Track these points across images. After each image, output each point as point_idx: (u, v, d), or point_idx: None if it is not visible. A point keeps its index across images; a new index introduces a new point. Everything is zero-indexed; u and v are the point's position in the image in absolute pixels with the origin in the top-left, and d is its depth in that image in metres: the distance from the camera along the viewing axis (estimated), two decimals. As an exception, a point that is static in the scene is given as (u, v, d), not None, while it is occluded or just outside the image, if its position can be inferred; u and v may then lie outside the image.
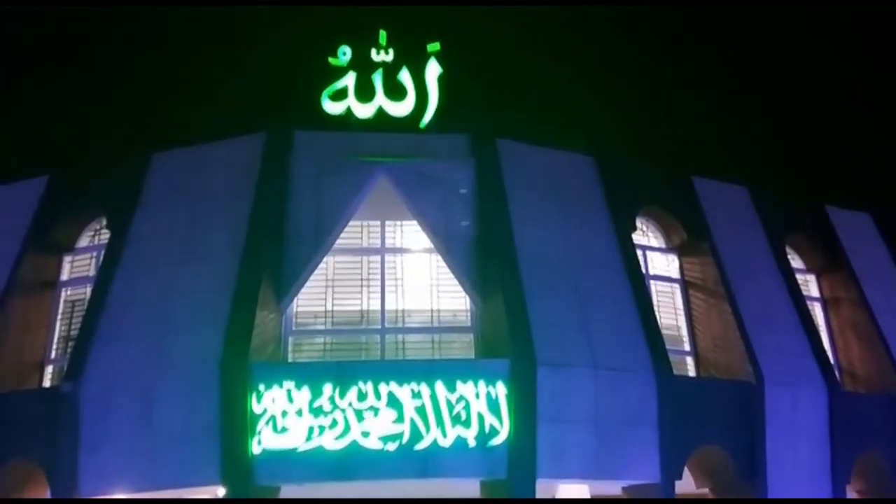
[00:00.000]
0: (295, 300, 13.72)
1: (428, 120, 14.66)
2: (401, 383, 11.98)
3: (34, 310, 14.10)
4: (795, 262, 16.72)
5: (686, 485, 13.21)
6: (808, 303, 16.04)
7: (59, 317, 14.42)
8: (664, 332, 14.00)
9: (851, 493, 14.51)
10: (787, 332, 14.52)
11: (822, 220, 16.97)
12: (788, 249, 16.50)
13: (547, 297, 13.12)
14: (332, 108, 14.56)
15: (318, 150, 14.16)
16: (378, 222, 14.64)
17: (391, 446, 11.72)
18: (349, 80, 14.62)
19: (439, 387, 12.01)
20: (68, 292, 14.65)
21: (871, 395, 15.17)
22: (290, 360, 13.60)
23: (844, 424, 13.90)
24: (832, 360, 15.45)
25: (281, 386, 11.80)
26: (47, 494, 12.35)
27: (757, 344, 13.89)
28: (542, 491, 12.55)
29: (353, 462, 11.70)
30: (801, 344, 14.52)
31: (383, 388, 11.94)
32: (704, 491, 13.97)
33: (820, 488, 13.55)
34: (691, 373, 14.80)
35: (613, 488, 13.57)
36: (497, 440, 11.91)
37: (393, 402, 11.91)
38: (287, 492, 12.49)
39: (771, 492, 13.11)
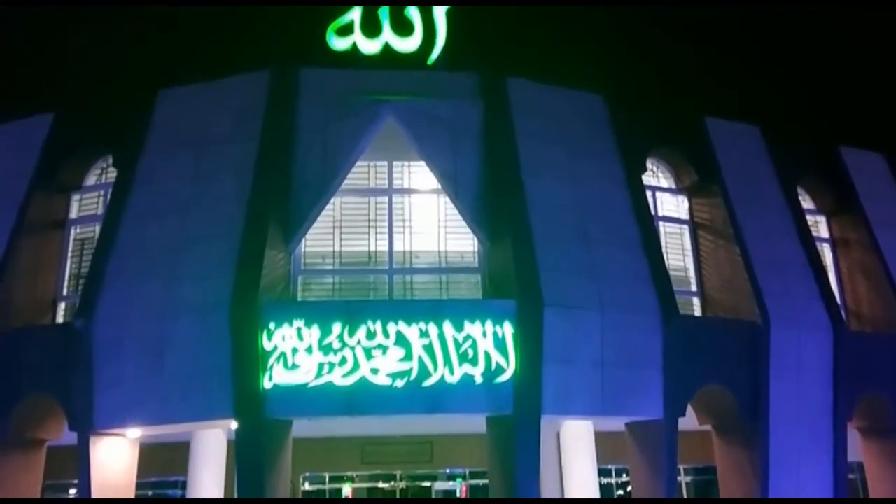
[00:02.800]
0: (303, 241, 13.76)
1: (436, 56, 14.37)
2: (409, 322, 12.11)
3: (45, 248, 14.19)
4: (806, 202, 16.58)
5: (688, 422, 13.40)
6: (818, 244, 15.99)
7: (70, 255, 14.53)
8: (672, 273, 14.01)
9: (853, 431, 14.74)
10: (794, 274, 14.51)
11: (834, 161, 16.75)
12: (800, 190, 16.35)
13: (555, 238, 13.10)
14: (337, 43, 14.29)
15: (324, 89, 13.95)
16: (385, 163, 14.54)
17: (399, 383, 11.93)
18: (355, 14, 14.29)
19: (447, 326, 12.14)
20: (77, 230, 14.73)
21: (876, 334, 15.24)
22: (299, 299, 13.72)
23: (849, 364, 14.01)
24: (839, 302, 15.50)
25: (291, 324, 11.96)
26: (65, 429, 12.66)
27: (764, 285, 13.91)
28: (547, 427, 12.81)
29: (362, 397, 11.94)
30: (809, 285, 14.52)
31: (391, 328, 12.09)
32: (707, 428, 14.19)
33: (822, 427, 13.76)
34: (698, 313, 14.88)
35: (617, 424, 13.82)
36: (503, 378, 12.09)
37: (401, 340, 12.07)
38: (299, 426, 12.80)
39: (773, 430, 13.31)
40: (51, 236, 14.37)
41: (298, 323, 11.97)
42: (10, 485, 12.77)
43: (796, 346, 13.63)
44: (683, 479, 19.69)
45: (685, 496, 20.13)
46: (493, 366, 12.10)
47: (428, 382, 11.97)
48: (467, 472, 20.34)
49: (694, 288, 15.10)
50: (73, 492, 17.13)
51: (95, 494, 12.17)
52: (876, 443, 15.11)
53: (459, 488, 20.60)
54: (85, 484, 12.15)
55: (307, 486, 19.96)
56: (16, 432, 12.74)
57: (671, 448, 12.88)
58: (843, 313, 15.22)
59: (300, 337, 11.95)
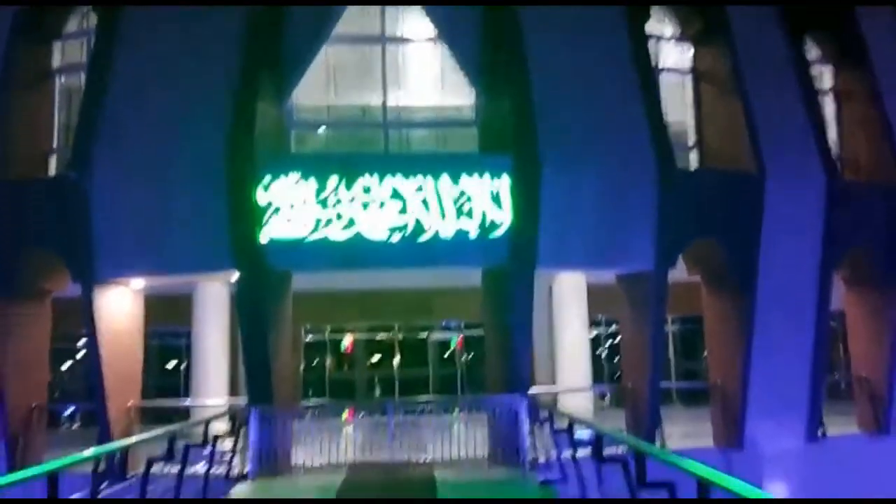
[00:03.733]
0: (296, 94, 13.41)
1: None
2: (406, 176, 12.08)
3: (32, 99, 13.76)
4: (812, 53, 16.08)
5: (677, 273, 13.67)
6: (822, 96, 15.68)
7: (58, 106, 14.16)
8: (671, 125, 13.80)
9: (838, 281, 15.14)
10: (794, 125, 14.26)
11: (846, 13, 16.04)
12: (808, 41, 15.81)
13: (553, 92, 12.74)
14: None
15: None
16: (378, 8, 13.92)
17: (395, 237, 12.07)
18: None
19: (443, 180, 12.13)
20: (63, 80, 14.26)
21: (869, 184, 15.26)
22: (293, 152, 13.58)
23: (841, 214, 14.10)
24: (836, 153, 15.41)
25: (287, 176, 11.92)
26: (68, 282, 12.88)
27: (763, 136, 13.73)
28: (539, 281, 13.12)
29: (358, 252, 12.09)
30: (807, 137, 14.34)
31: (388, 181, 12.07)
32: (696, 279, 14.54)
33: (808, 276, 14.09)
34: (695, 165, 14.83)
35: (608, 276, 14.16)
36: (499, 232, 12.21)
37: (397, 194, 12.08)
38: (299, 280, 13.09)
39: (761, 280, 13.59)
40: (37, 86, 13.85)
41: (295, 176, 11.94)
42: (20, 336, 13.08)
43: (790, 196, 13.64)
44: (670, 329, 20.53)
45: (671, 346, 21.09)
46: (489, 221, 12.19)
47: (424, 237, 12.10)
48: (462, 325, 21.16)
49: (692, 140, 14.97)
50: (82, 341, 17.75)
51: (104, 342, 12.56)
52: (857, 292, 15.53)
53: (455, 339, 21.52)
54: (92, 331, 12.52)
55: (309, 338, 20.82)
56: (21, 283, 12.94)
57: (660, 298, 13.24)
58: (839, 164, 15.18)
59: (296, 190, 11.95)
